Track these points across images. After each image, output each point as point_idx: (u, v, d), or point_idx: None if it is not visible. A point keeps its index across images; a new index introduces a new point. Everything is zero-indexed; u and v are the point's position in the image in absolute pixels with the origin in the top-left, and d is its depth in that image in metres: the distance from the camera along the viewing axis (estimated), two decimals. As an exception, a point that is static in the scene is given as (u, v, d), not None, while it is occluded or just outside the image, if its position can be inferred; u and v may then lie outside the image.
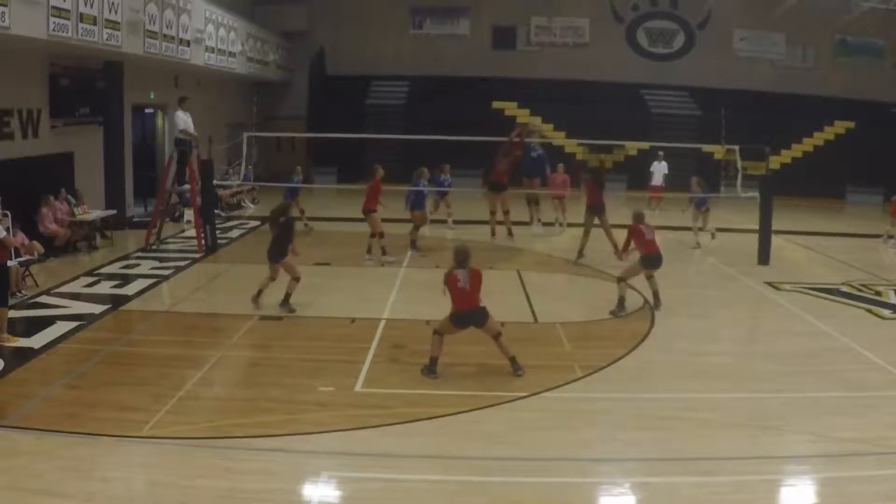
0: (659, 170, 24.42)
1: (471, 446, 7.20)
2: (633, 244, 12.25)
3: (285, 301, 11.57)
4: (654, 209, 24.05)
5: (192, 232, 17.63)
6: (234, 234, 18.88)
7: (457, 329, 9.14)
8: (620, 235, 12.48)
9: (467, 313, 9.01)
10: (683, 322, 11.69)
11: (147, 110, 21.81)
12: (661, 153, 24.16)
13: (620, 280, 11.95)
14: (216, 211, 17.91)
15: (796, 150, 29.83)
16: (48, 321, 10.70)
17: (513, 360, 9.10)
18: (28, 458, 6.70)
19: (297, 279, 11.62)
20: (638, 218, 12.24)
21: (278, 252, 11.66)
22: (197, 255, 15.88)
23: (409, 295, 12.92)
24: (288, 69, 30.33)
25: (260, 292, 11.79)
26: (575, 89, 29.47)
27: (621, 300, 11.84)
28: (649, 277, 12.14)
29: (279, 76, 29.57)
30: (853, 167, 28.34)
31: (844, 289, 14.01)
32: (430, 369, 8.98)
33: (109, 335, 10.44)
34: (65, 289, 12.76)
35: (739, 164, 18.35)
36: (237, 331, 10.66)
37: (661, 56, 31.81)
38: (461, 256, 9.14)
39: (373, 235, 15.55)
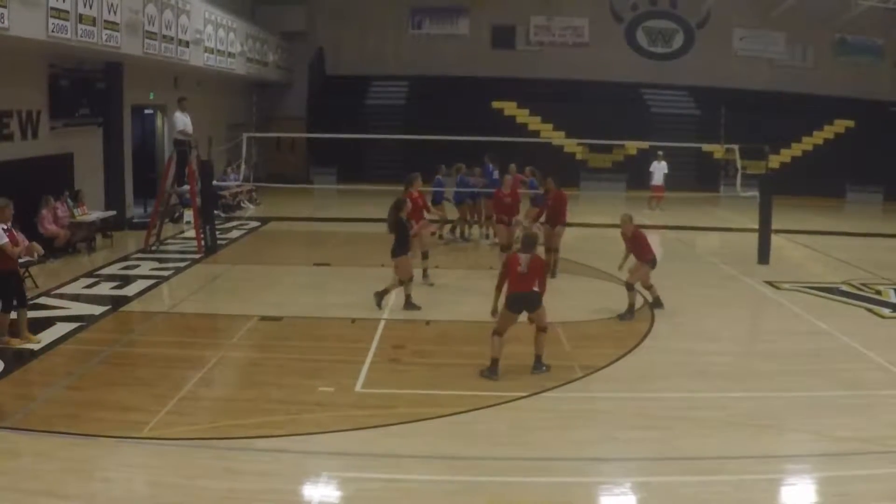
0: (659, 169, 24.44)
1: (471, 446, 7.20)
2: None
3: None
4: (655, 208, 24.10)
5: (191, 233, 17.63)
6: (234, 234, 18.88)
7: (512, 316, 9.03)
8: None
9: (522, 296, 8.98)
10: (683, 321, 11.69)
11: (147, 111, 21.81)
12: (660, 153, 24.16)
13: (630, 287, 11.68)
14: (216, 211, 17.91)
15: (796, 150, 29.84)
16: (48, 322, 10.69)
17: (538, 358, 9.14)
18: (28, 459, 6.70)
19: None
20: (631, 220, 12.00)
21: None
22: (197, 256, 15.87)
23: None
24: (287, 70, 30.33)
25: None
26: (574, 89, 29.50)
27: (631, 307, 11.59)
28: (649, 287, 11.97)
29: (279, 76, 29.58)
30: (853, 166, 28.37)
31: (844, 288, 14.00)
32: (492, 370, 8.88)
33: (109, 336, 10.43)
34: (65, 290, 12.75)
35: (739, 163, 18.35)
36: (237, 331, 10.66)
37: (660, 55, 31.82)
38: (528, 241, 9.26)
39: None
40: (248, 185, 22.89)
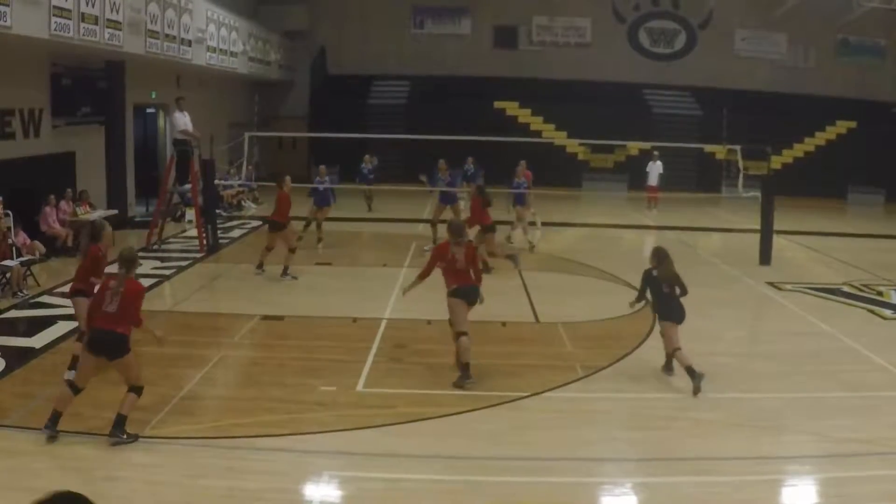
0: (654, 170, 24.46)
1: (472, 446, 7.20)
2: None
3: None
4: (653, 209, 24.10)
5: (193, 232, 17.64)
6: (236, 233, 18.89)
7: (466, 308, 8.90)
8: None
9: (470, 289, 8.92)
10: (685, 322, 11.66)
11: (149, 110, 21.83)
12: (655, 153, 24.18)
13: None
14: (217, 210, 17.92)
15: (797, 150, 29.84)
16: (49, 321, 10.74)
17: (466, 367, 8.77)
18: (29, 458, 6.70)
19: None
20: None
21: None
22: (198, 255, 15.88)
23: (411, 294, 12.90)
24: (289, 69, 30.35)
25: None
26: (576, 89, 29.49)
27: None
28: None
29: (281, 76, 29.59)
30: (854, 167, 28.36)
31: (846, 289, 14.00)
32: (466, 376, 8.64)
33: (111, 335, 10.42)
34: (66, 288, 12.72)
35: (741, 164, 18.35)
36: (238, 330, 10.66)
37: (662, 56, 31.82)
38: (458, 230, 9.13)
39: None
40: (251, 184, 22.79)
